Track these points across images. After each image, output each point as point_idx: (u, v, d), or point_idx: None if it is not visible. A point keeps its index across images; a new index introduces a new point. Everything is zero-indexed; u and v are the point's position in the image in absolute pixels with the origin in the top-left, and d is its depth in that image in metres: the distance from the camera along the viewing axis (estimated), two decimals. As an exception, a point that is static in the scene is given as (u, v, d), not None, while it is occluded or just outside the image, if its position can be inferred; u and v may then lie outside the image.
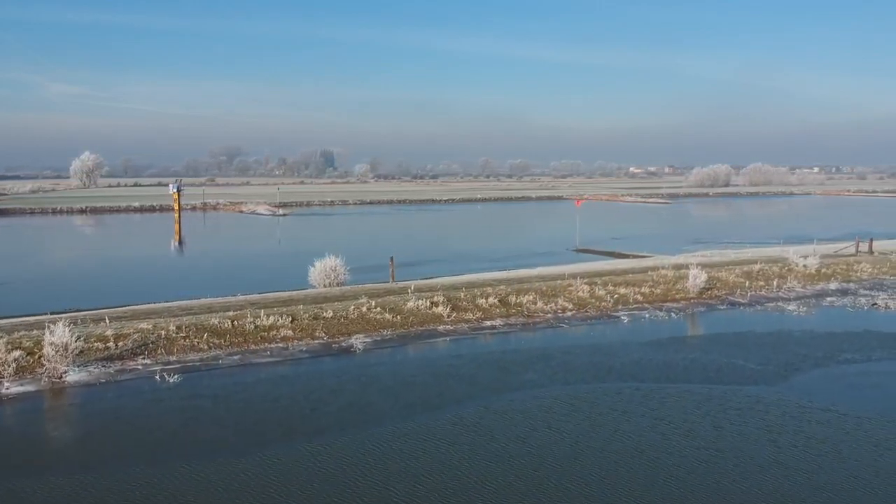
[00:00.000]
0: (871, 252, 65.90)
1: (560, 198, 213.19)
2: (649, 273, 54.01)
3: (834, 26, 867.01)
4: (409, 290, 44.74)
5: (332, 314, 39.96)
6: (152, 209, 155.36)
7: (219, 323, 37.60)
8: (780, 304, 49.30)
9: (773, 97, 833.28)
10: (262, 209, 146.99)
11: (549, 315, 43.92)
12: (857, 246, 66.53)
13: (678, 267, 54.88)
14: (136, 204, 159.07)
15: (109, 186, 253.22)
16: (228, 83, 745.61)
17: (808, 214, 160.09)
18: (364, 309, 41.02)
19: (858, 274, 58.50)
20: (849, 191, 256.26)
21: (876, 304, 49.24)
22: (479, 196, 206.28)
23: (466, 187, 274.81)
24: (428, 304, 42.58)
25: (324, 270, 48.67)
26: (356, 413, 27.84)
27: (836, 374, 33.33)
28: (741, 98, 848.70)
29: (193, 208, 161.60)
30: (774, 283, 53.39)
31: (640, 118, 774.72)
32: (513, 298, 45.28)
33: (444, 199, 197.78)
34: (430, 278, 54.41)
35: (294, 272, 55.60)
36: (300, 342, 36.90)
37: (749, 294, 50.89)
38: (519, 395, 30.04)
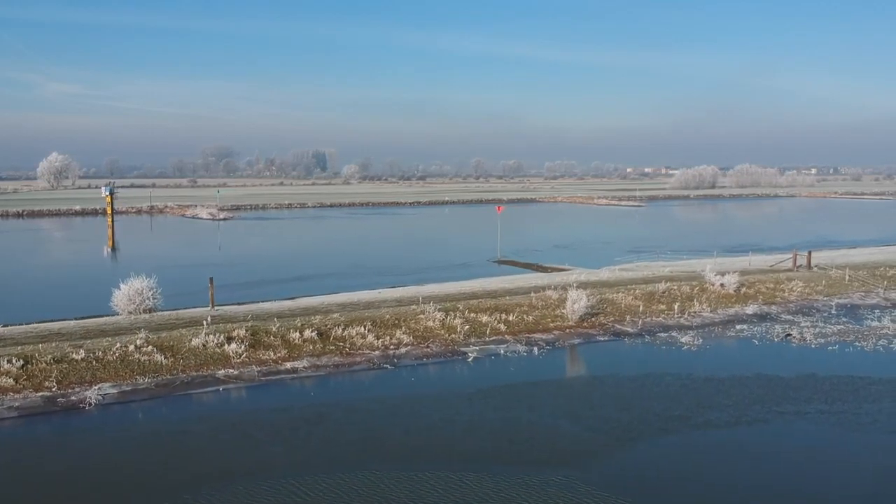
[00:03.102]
0: (808, 266, 57.70)
1: (534, 200, 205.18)
2: (531, 294, 45.90)
3: (834, 26, 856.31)
4: (206, 322, 36.69)
5: (82, 355, 31.99)
6: (95, 212, 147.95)
7: (-78, 370, 29.68)
8: (675, 333, 41.18)
9: (771, 97, 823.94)
10: (204, 213, 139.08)
11: (377, 352, 35.91)
12: (795, 259, 58.31)
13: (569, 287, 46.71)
14: (78, 207, 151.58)
15: (80, 188, 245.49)
16: (227, 83, 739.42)
17: (778, 218, 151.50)
18: (131, 348, 33.05)
19: (786, 294, 50.32)
20: (836, 193, 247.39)
21: (790, 334, 41.15)
22: (446, 199, 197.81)
23: (445, 189, 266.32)
24: (222, 339, 34.62)
25: (129, 294, 40.68)
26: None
27: (682, 446, 25.29)
28: (740, 98, 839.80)
29: (139, 211, 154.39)
30: (676, 306, 45.27)
31: (639, 118, 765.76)
32: (338, 331, 37.26)
33: (410, 201, 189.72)
34: (285, 300, 46.24)
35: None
36: (17, 395, 28.97)
37: (641, 321, 42.82)
38: (229, 487, 22.03)
